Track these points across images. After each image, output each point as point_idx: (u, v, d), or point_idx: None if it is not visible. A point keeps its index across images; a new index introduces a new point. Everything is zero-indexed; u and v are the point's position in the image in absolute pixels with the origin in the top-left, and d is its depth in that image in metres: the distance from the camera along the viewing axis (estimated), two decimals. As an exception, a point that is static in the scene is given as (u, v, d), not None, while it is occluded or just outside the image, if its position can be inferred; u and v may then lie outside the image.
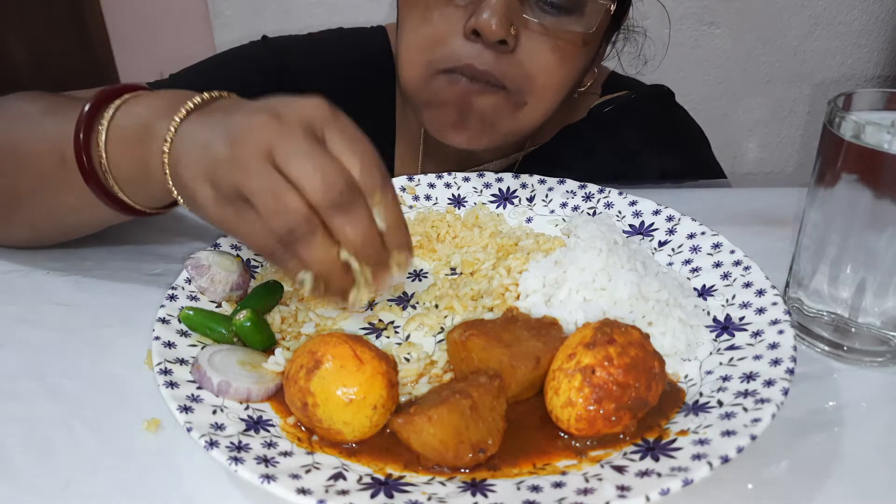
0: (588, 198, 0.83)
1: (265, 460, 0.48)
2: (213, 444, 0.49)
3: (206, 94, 0.60)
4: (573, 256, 0.67)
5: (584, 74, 0.89)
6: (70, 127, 0.63)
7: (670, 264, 0.73)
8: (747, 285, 0.66)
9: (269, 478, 0.46)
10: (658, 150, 1.02)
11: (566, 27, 0.78)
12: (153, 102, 0.62)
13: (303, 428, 0.54)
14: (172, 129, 0.57)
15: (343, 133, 0.53)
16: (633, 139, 1.00)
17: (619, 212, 0.80)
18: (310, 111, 0.53)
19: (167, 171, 0.58)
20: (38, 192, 0.69)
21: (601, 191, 0.83)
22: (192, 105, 0.58)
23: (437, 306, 0.69)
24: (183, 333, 0.61)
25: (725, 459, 0.47)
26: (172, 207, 0.69)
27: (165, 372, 0.56)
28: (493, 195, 0.85)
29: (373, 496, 0.46)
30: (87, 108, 0.63)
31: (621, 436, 0.52)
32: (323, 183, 0.50)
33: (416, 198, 0.85)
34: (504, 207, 0.84)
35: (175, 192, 0.59)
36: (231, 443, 0.50)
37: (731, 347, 0.60)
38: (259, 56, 1.03)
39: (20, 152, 0.68)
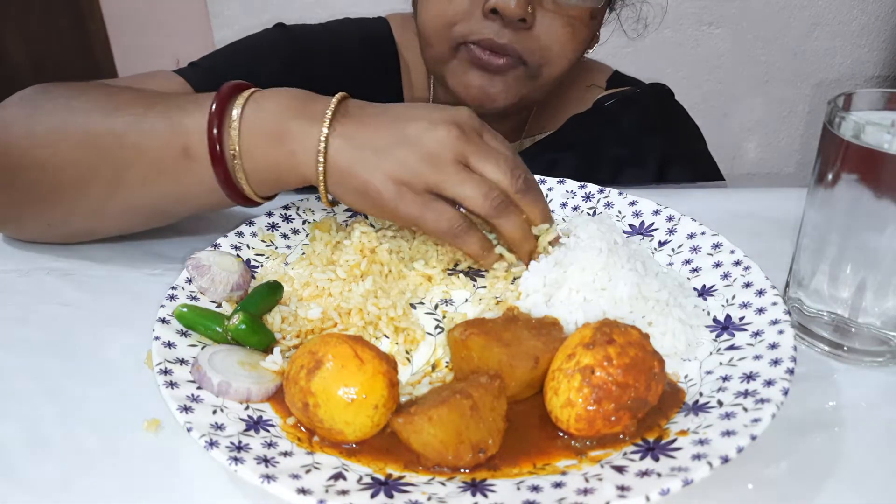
0: (588, 198, 0.83)
1: (265, 460, 0.48)
2: (213, 444, 0.49)
3: (333, 103, 0.67)
4: (573, 256, 0.67)
5: (589, 42, 0.96)
6: (188, 118, 0.68)
7: (670, 264, 0.73)
8: (747, 285, 0.66)
9: (269, 478, 0.46)
10: (656, 137, 1.07)
11: (578, 3, 0.85)
12: (281, 100, 0.68)
13: (303, 428, 0.54)
14: (324, 136, 0.65)
15: (494, 135, 0.69)
16: (634, 128, 1.06)
17: (619, 212, 0.80)
18: (469, 118, 0.67)
19: (323, 170, 0.66)
20: (151, 182, 0.71)
21: (601, 191, 0.83)
22: (331, 113, 0.66)
23: (436, 307, 0.69)
24: (183, 333, 0.61)
25: (725, 459, 0.47)
26: (275, 196, 0.75)
27: (165, 372, 0.56)
28: (493, 195, 0.85)
29: (373, 496, 0.46)
30: (213, 103, 0.67)
31: (621, 436, 0.52)
32: (511, 177, 0.66)
33: None
34: (504, 207, 0.84)
35: (330, 190, 0.67)
36: (231, 443, 0.50)
37: (731, 347, 0.60)
38: (276, 43, 1.05)
39: (127, 143, 0.70)
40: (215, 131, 0.67)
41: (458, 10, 0.85)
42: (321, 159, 0.65)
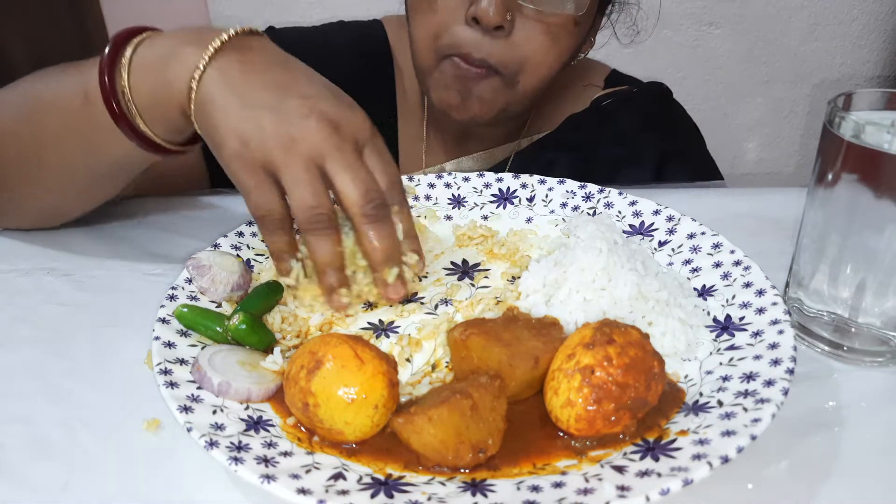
0: (588, 198, 0.83)
1: (265, 460, 0.48)
2: (213, 444, 0.49)
3: (234, 30, 0.64)
4: (573, 256, 0.67)
5: (578, 48, 0.96)
6: (91, 69, 0.67)
7: (670, 264, 0.73)
8: (747, 285, 0.66)
9: (269, 478, 0.46)
10: (654, 137, 1.07)
11: (558, 10, 0.85)
12: (179, 34, 0.66)
13: (303, 428, 0.54)
14: (206, 57, 0.62)
15: (379, 152, 0.64)
16: (631, 127, 1.06)
17: (619, 212, 0.80)
18: (360, 125, 0.63)
19: (192, 98, 0.62)
20: (62, 137, 0.72)
21: (601, 191, 0.83)
22: (225, 37, 0.63)
23: (436, 307, 0.69)
24: (183, 333, 0.61)
25: (725, 459, 0.47)
26: (192, 146, 0.72)
27: (165, 372, 0.56)
28: (493, 195, 0.85)
29: (373, 496, 0.46)
30: (109, 46, 0.66)
31: (621, 436, 0.52)
32: (364, 196, 0.61)
33: (417, 198, 0.85)
34: (504, 207, 0.84)
35: (195, 123, 0.64)
36: (231, 443, 0.50)
37: (731, 347, 0.60)
38: None
39: (44, 100, 0.72)
40: (106, 71, 0.65)
41: (442, 19, 0.86)
42: (193, 86, 0.62)
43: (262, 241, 0.67)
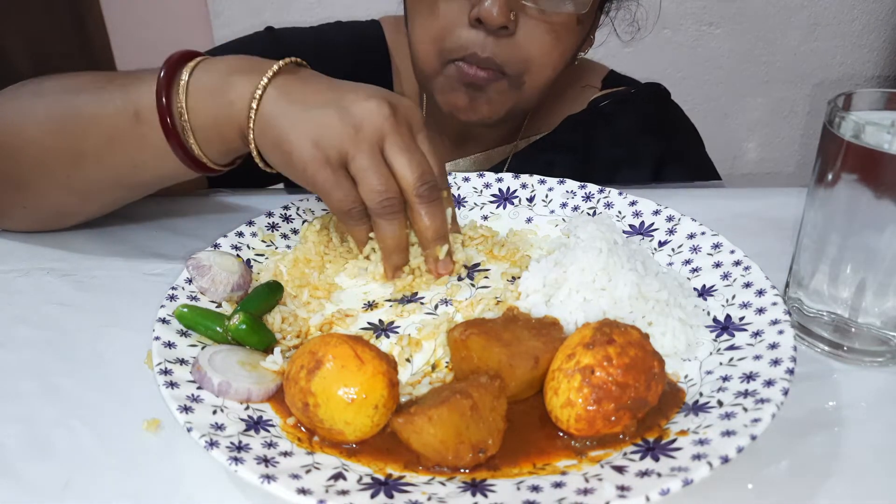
0: (588, 198, 0.83)
1: (265, 460, 0.48)
2: (213, 444, 0.49)
3: (285, 60, 0.68)
4: (573, 256, 0.67)
5: (580, 46, 0.96)
6: (140, 88, 0.69)
7: (670, 264, 0.73)
8: (747, 285, 0.66)
9: (269, 478, 0.46)
10: (652, 137, 1.07)
11: (561, 9, 0.85)
12: (231, 62, 0.70)
13: (303, 428, 0.54)
14: (266, 78, 0.66)
15: (428, 139, 0.68)
16: (629, 128, 1.06)
17: (619, 212, 0.80)
18: (412, 111, 0.67)
19: (253, 118, 0.66)
20: (107, 151, 0.73)
21: (601, 191, 0.83)
22: (277, 67, 0.67)
23: (436, 307, 0.69)
24: (183, 333, 0.61)
25: (725, 459, 0.47)
26: (234, 165, 0.75)
27: (165, 372, 0.56)
28: (493, 195, 0.85)
29: (373, 496, 0.46)
30: (163, 68, 0.69)
31: (621, 436, 0.52)
32: (420, 178, 0.65)
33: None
34: (504, 207, 0.84)
35: (253, 141, 0.67)
36: (231, 443, 0.50)
37: (731, 347, 0.60)
38: (264, 46, 1.05)
39: (84, 115, 0.73)
40: (163, 93, 0.68)
41: (444, 23, 0.86)
42: (254, 105, 0.65)
43: (355, 240, 0.71)
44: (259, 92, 0.65)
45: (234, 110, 0.67)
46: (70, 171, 0.75)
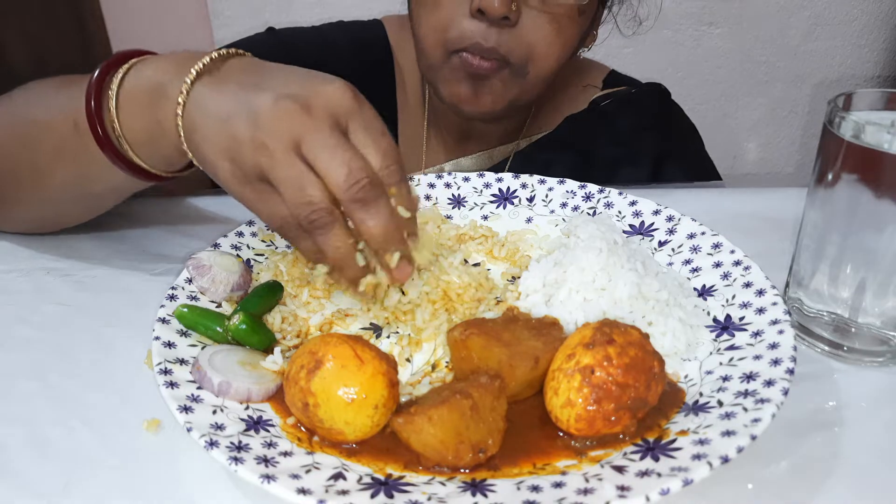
0: (588, 198, 0.83)
1: (265, 460, 0.48)
2: (213, 444, 0.49)
3: (215, 53, 0.61)
4: (573, 256, 0.67)
5: (582, 40, 0.97)
6: (81, 95, 0.64)
7: (670, 264, 0.73)
8: (747, 285, 0.66)
9: (269, 478, 0.46)
10: (652, 137, 1.07)
11: (563, 0, 0.85)
12: (162, 64, 0.63)
13: (303, 428, 0.54)
14: (184, 91, 0.59)
15: (367, 126, 0.57)
16: (630, 128, 1.06)
17: (619, 212, 0.80)
18: (336, 100, 0.56)
19: (181, 134, 0.60)
20: (57, 163, 0.71)
21: (601, 191, 0.83)
22: (202, 65, 0.60)
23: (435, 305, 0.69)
24: (183, 333, 0.61)
25: (725, 459, 0.47)
26: (188, 171, 0.69)
27: (165, 372, 0.56)
28: (493, 195, 0.85)
29: (373, 496, 0.46)
30: (95, 74, 0.64)
31: (621, 436, 0.52)
32: (347, 178, 0.54)
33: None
34: (504, 207, 0.84)
35: (190, 155, 0.61)
36: (231, 443, 0.50)
37: (731, 347, 0.60)
38: (265, 47, 1.04)
39: (38, 122, 0.71)
40: (92, 102, 0.63)
41: (447, 14, 0.86)
42: (179, 122, 0.59)
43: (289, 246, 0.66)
44: (180, 108, 0.59)
45: (164, 129, 0.61)
46: (34, 183, 0.73)
